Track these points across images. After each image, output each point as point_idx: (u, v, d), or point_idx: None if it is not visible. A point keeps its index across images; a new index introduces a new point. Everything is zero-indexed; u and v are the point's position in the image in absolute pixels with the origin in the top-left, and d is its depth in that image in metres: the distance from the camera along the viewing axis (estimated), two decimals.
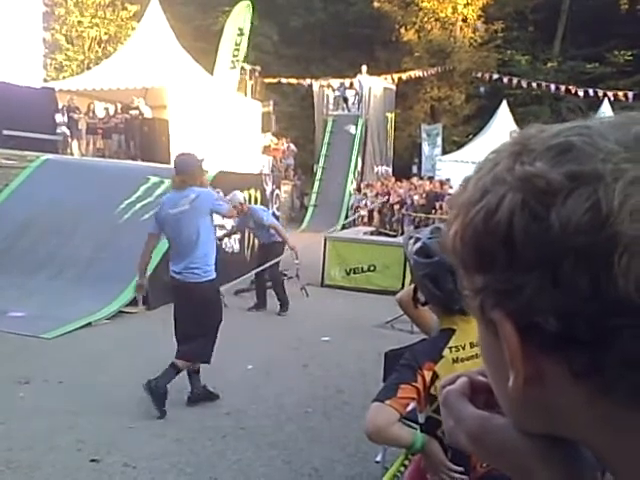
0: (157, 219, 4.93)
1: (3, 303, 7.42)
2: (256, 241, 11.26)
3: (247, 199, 10.87)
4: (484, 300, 0.48)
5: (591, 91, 23.70)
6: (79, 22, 26.20)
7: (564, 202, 0.43)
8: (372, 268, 9.75)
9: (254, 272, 8.54)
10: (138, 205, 9.11)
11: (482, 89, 27.51)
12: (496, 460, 0.56)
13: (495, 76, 26.54)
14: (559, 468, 0.51)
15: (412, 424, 2.04)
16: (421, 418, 2.00)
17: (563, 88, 24.54)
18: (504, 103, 24.49)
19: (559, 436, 0.50)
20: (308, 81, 25.18)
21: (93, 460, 3.93)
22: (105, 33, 26.78)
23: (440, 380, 1.76)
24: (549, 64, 28.67)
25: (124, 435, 4.34)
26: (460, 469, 1.86)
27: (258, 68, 21.87)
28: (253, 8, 19.73)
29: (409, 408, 1.96)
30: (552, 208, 0.43)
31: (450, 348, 1.90)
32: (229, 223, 10.18)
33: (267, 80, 23.65)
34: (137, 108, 16.20)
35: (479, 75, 27.16)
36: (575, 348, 0.44)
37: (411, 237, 2.08)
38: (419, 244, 1.99)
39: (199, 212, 4.76)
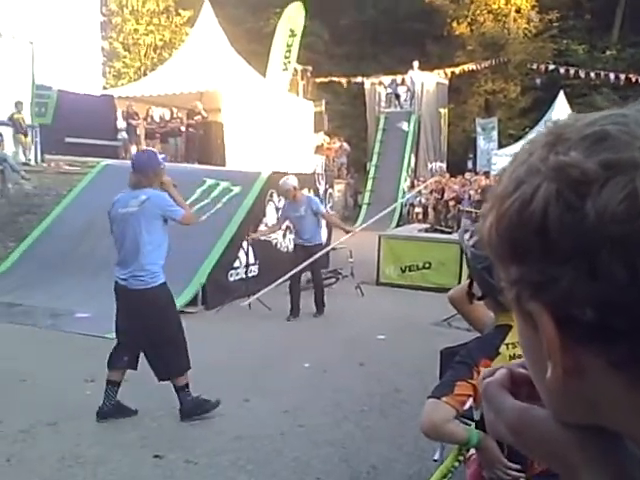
0: (109, 217, 4.63)
1: (70, 304, 7.73)
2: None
3: None
4: (520, 292, 0.48)
5: None
6: (135, 30, 26.90)
7: (599, 191, 0.43)
8: (427, 265, 9.67)
9: (289, 275, 7.94)
10: (195, 207, 9.27)
11: (538, 80, 26.82)
12: (536, 451, 0.56)
13: (551, 67, 25.83)
14: (600, 459, 0.51)
15: (468, 421, 2.04)
16: (477, 415, 1.99)
17: (623, 77, 23.69)
18: (561, 94, 23.83)
19: (600, 427, 0.50)
20: (359, 79, 25.11)
21: (156, 456, 4.05)
22: (160, 39, 27.41)
23: None
24: (607, 52, 27.74)
25: (185, 432, 4.45)
26: (517, 466, 1.85)
27: (309, 68, 21.96)
28: (305, 8, 19.84)
29: (466, 406, 1.95)
30: (587, 198, 0.43)
31: (507, 344, 1.88)
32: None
33: (319, 80, 23.73)
34: (199, 113, 16.46)
35: (534, 66, 26.49)
36: (613, 338, 0.44)
37: (467, 230, 2.07)
38: (476, 236, 1.98)
39: (148, 215, 4.44)
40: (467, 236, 2.05)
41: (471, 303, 2.19)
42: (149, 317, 4.47)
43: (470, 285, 2.11)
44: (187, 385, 4.67)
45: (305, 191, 8.26)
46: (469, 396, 1.85)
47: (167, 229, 4.59)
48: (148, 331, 4.50)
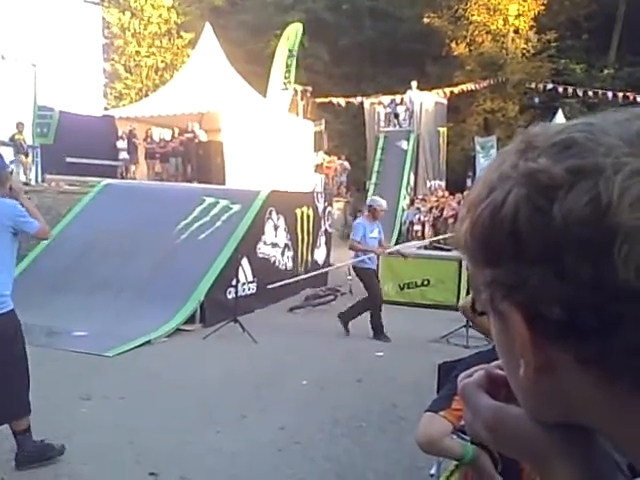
0: None
1: (68, 323, 7.71)
2: (309, 257, 11.40)
3: (300, 216, 11.03)
4: (493, 293, 0.50)
5: None
6: (137, 52, 27.18)
7: (566, 195, 0.44)
8: (426, 282, 9.67)
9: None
10: (195, 225, 9.35)
11: (536, 99, 26.98)
12: (511, 449, 0.57)
13: (549, 86, 26.01)
14: (573, 456, 0.52)
15: (465, 436, 2.02)
16: None
17: (621, 95, 23.84)
18: (559, 113, 23.89)
19: (574, 425, 0.51)
20: (359, 99, 25.28)
21: (152, 474, 4.02)
22: (162, 61, 27.68)
23: None
24: (605, 71, 27.91)
25: (182, 449, 4.42)
26: None
27: (309, 88, 22.13)
28: (303, 29, 20.06)
29: (463, 422, 1.94)
30: (555, 202, 0.44)
31: None
32: (282, 239, 10.33)
33: (318, 100, 23.88)
34: (192, 132, 16.65)
35: (533, 85, 26.66)
36: (581, 336, 0.45)
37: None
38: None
39: None
40: None
41: (474, 317, 2.19)
42: None
43: (473, 302, 2.11)
44: (28, 429, 4.07)
45: None
46: None
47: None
48: None
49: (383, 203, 7.96)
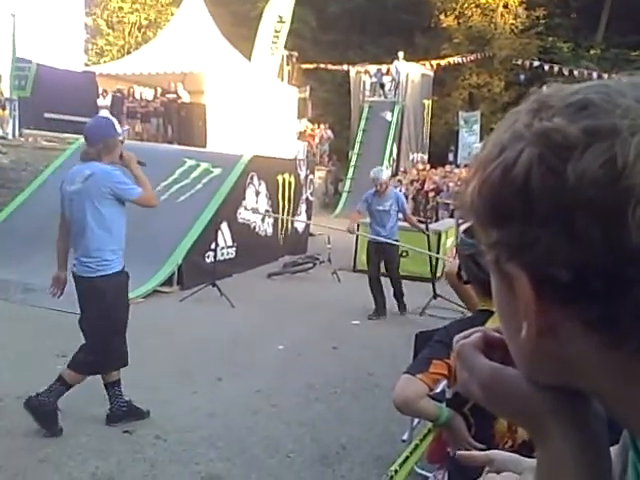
0: (61, 195, 4.14)
1: (44, 280, 7.61)
2: (289, 225, 11.38)
3: (282, 183, 10.97)
4: (499, 254, 0.49)
5: None
6: (120, 7, 26.55)
7: (581, 156, 0.44)
8: (404, 254, 9.70)
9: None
10: (174, 187, 9.25)
11: (522, 76, 26.99)
12: (506, 409, 0.58)
13: (536, 63, 25.99)
14: (569, 418, 0.53)
15: (440, 404, 2.06)
16: (448, 393, 2.01)
17: (606, 76, 23.80)
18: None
19: (570, 388, 0.52)
20: (345, 67, 25.06)
21: (126, 432, 4.04)
22: (145, 18, 27.09)
23: None
24: (592, 51, 27.98)
25: (157, 409, 4.43)
26: (482, 446, 1.87)
27: (295, 54, 21.87)
28: None
29: (439, 389, 1.97)
30: (569, 162, 0.44)
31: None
32: (263, 205, 10.29)
33: (304, 66, 23.63)
34: (175, 92, 16.39)
35: (519, 62, 26.64)
36: (588, 300, 0.45)
37: (461, 218, 2.11)
38: (468, 224, 2.01)
39: (93, 194, 3.89)
40: (461, 229, 2.07)
41: (459, 285, 2.21)
42: (90, 305, 3.99)
43: (459, 270, 2.13)
44: (119, 382, 4.28)
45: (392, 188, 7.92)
46: (444, 375, 1.87)
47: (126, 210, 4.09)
48: (89, 318, 4.03)
49: (382, 175, 7.56)
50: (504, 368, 0.56)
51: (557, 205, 0.44)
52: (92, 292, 3.97)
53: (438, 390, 2.00)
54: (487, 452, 0.95)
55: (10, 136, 13.06)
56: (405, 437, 3.67)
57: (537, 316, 0.48)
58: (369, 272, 7.65)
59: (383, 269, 7.65)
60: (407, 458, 1.93)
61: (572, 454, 0.52)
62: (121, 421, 4.15)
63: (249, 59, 18.71)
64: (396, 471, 1.88)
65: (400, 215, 7.57)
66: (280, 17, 18.94)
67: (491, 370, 0.56)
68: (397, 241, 7.56)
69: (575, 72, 24.77)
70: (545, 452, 0.54)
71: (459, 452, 1.04)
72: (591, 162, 0.43)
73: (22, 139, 12.96)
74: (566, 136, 0.45)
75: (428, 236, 7.65)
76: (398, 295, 7.64)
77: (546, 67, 25.38)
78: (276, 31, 18.93)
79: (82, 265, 3.96)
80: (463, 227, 2.05)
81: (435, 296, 7.58)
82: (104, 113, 15.96)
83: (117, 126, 4.16)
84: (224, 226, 8.98)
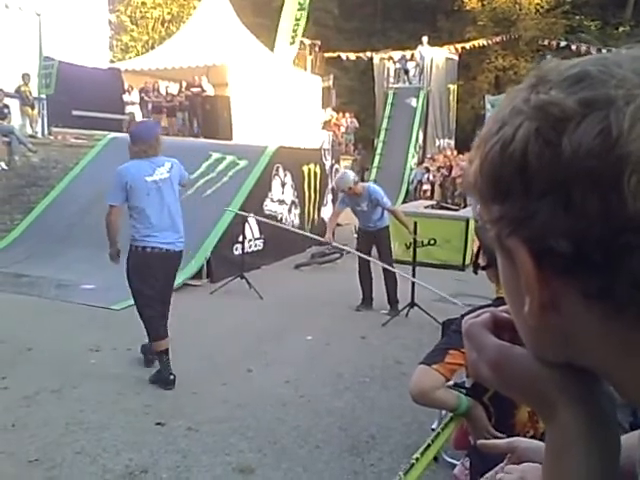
0: (124, 189, 4.63)
1: (76, 276, 7.79)
2: (316, 215, 11.39)
3: (307, 173, 10.98)
4: (501, 229, 0.49)
5: None
6: (143, 3, 26.70)
7: (576, 128, 0.44)
8: (432, 242, 9.66)
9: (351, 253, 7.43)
10: (201, 181, 9.33)
11: (549, 57, 26.42)
12: (515, 388, 0.57)
13: (563, 43, 25.49)
14: (578, 396, 0.53)
15: (461, 391, 2.05)
16: (468, 383, 2.00)
17: None
18: None
19: (576, 364, 0.51)
20: (368, 54, 24.87)
21: (158, 424, 4.11)
22: (168, 13, 27.21)
23: None
24: (621, 29, 27.32)
25: (188, 400, 4.51)
26: (503, 436, 1.86)
27: (318, 43, 21.77)
28: None
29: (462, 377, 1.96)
30: (565, 134, 0.44)
31: None
32: (289, 196, 10.32)
33: (327, 55, 23.52)
34: (200, 86, 16.46)
35: (546, 43, 26.14)
36: (587, 270, 0.45)
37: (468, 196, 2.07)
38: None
39: (175, 181, 4.77)
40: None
41: (476, 273, 2.18)
42: (173, 278, 4.94)
43: (477, 255, 2.11)
44: (167, 351, 4.80)
45: (366, 184, 7.39)
46: (460, 365, 1.86)
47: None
48: (169, 289, 4.90)
49: (344, 180, 6.97)
50: (512, 347, 0.56)
51: (554, 177, 0.44)
52: (179, 263, 4.92)
53: (460, 380, 1.99)
54: (509, 439, 0.95)
55: (40, 134, 13.29)
56: (434, 426, 3.67)
57: (539, 290, 0.48)
58: (359, 263, 7.39)
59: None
60: (429, 446, 1.94)
61: (581, 430, 0.52)
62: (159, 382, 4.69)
63: (271, 49, 18.69)
64: (417, 459, 1.89)
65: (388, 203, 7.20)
66: (300, 4, 18.86)
67: (499, 348, 0.56)
68: (387, 228, 7.32)
69: (604, 51, 24.25)
70: (553, 429, 0.54)
71: (480, 441, 1.04)
72: (586, 133, 0.43)
73: (51, 137, 13.18)
74: (562, 109, 0.45)
75: (414, 239, 7.25)
76: (390, 287, 7.22)
77: (573, 47, 24.89)
78: (297, 19, 18.84)
79: (180, 241, 4.77)
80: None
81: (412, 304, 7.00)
82: (130, 109, 16.16)
83: (157, 125, 5.08)
84: (251, 218, 9.03)
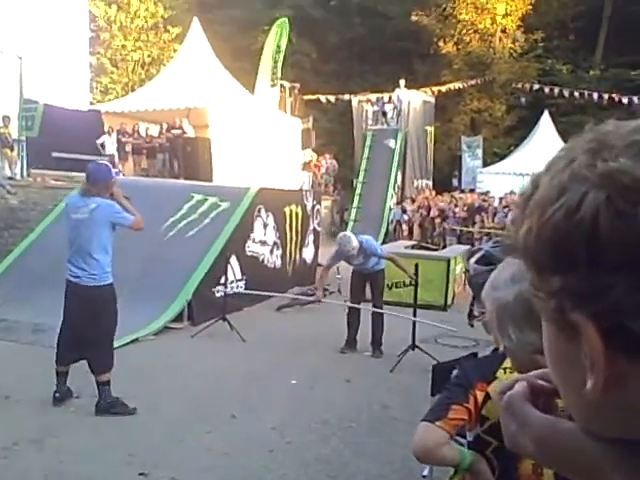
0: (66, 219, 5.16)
1: (54, 320, 7.61)
2: (297, 256, 11.38)
3: (289, 214, 11.01)
4: (562, 302, 0.47)
5: (636, 98, 23.17)
6: (123, 46, 26.97)
7: None
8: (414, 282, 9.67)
9: (350, 305, 7.41)
10: (183, 222, 9.30)
11: (523, 100, 27.17)
12: (562, 464, 0.56)
13: (536, 86, 26.22)
14: (634, 473, 0.51)
15: (461, 441, 2.02)
16: (469, 436, 1.97)
17: (607, 96, 24.06)
18: (546, 113, 24.16)
19: (634, 440, 0.49)
20: (347, 96, 25.28)
21: (142, 474, 4.00)
22: (148, 56, 27.49)
23: (491, 401, 1.72)
24: (591, 72, 28.18)
25: (172, 449, 4.40)
26: None
27: (297, 85, 22.09)
28: (290, 25, 20.01)
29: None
30: (639, 205, 0.42)
31: (504, 369, 1.85)
32: (271, 237, 10.32)
33: (306, 97, 23.85)
34: (181, 127, 16.55)
35: (519, 85, 26.89)
36: None
37: (472, 250, 2.09)
38: (480, 253, 2.00)
39: (97, 223, 4.91)
40: (473, 260, 2.05)
41: (472, 326, 2.18)
42: (92, 311, 4.89)
43: (471, 305, 2.11)
44: (109, 382, 4.99)
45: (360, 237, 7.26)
46: (463, 420, 1.83)
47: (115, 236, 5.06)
48: (88, 323, 4.89)
49: (349, 246, 6.94)
50: (558, 421, 0.55)
51: (629, 251, 0.42)
52: (98, 297, 4.93)
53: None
54: None
55: (18, 176, 13.20)
56: (425, 473, 3.61)
57: (605, 367, 0.46)
58: (351, 302, 7.42)
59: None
60: None
61: None
62: (108, 412, 4.88)
63: (252, 92, 18.93)
64: None
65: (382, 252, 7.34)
66: (278, 47, 19.25)
67: (545, 423, 0.55)
68: (383, 270, 7.44)
69: (575, 93, 24.95)
70: None
71: None
72: None
73: (30, 179, 13.09)
74: (635, 178, 0.43)
75: (416, 281, 7.30)
76: (376, 329, 7.19)
77: (546, 89, 25.58)
78: (275, 61, 19.20)
79: (88, 277, 4.89)
80: (476, 257, 2.02)
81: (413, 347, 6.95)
82: (110, 151, 16.16)
83: (112, 170, 5.27)
84: (233, 259, 8.99)
